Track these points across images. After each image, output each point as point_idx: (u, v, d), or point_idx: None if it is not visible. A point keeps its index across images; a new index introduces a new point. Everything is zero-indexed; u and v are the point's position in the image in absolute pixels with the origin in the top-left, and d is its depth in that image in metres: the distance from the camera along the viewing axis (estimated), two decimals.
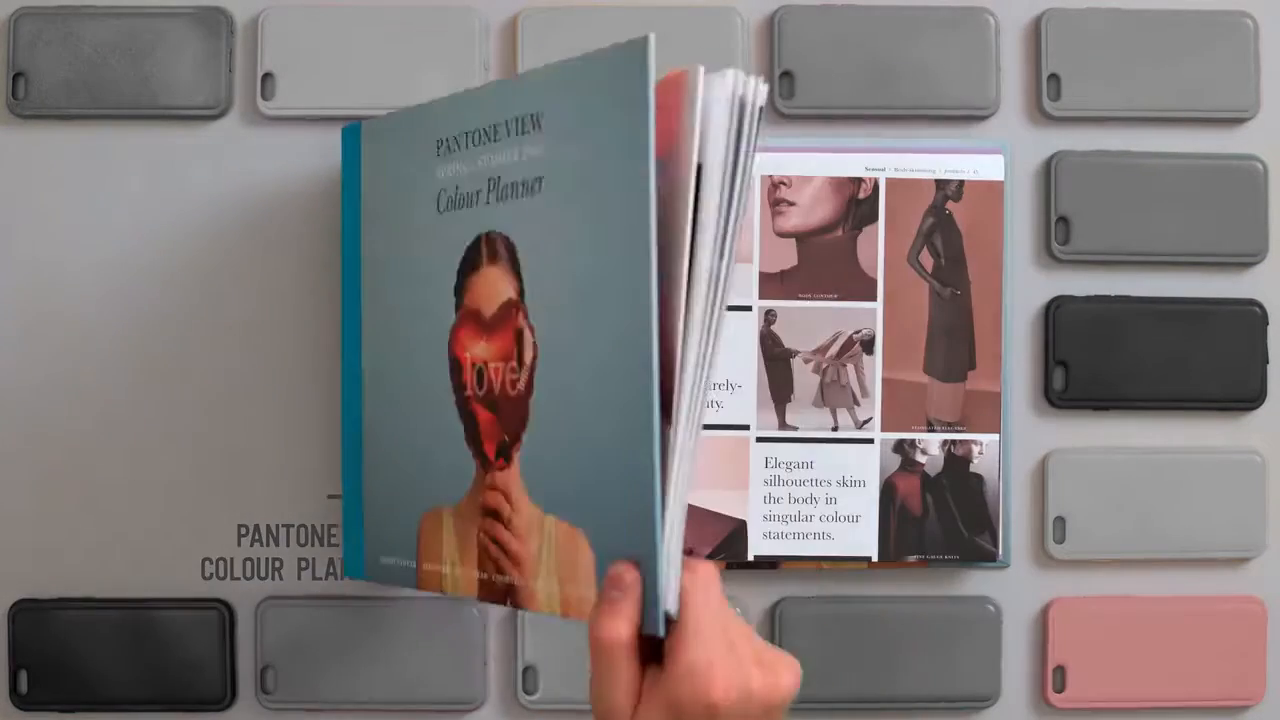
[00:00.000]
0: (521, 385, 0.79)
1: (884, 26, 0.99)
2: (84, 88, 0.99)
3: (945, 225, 0.97)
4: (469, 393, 0.83)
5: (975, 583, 1.00)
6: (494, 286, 0.81)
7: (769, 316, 0.97)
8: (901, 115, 1.00)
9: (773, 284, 0.98)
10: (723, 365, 0.97)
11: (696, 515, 0.97)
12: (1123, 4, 1.00)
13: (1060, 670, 1.00)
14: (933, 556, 0.98)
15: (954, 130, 1.00)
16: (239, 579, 0.99)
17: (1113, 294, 0.99)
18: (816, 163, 0.97)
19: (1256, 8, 1.00)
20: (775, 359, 0.98)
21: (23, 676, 0.98)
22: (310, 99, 0.99)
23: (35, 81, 0.99)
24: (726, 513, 0.98)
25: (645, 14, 0.99)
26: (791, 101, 0.99)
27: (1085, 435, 1.00)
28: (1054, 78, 1.00)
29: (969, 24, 0.99)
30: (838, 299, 0.98)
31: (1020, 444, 0.99)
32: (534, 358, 0.78)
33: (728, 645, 0.69)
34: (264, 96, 0.99)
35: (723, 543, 0.98)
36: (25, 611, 0.98)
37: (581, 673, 0.97)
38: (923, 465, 0.98)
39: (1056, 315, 0.99)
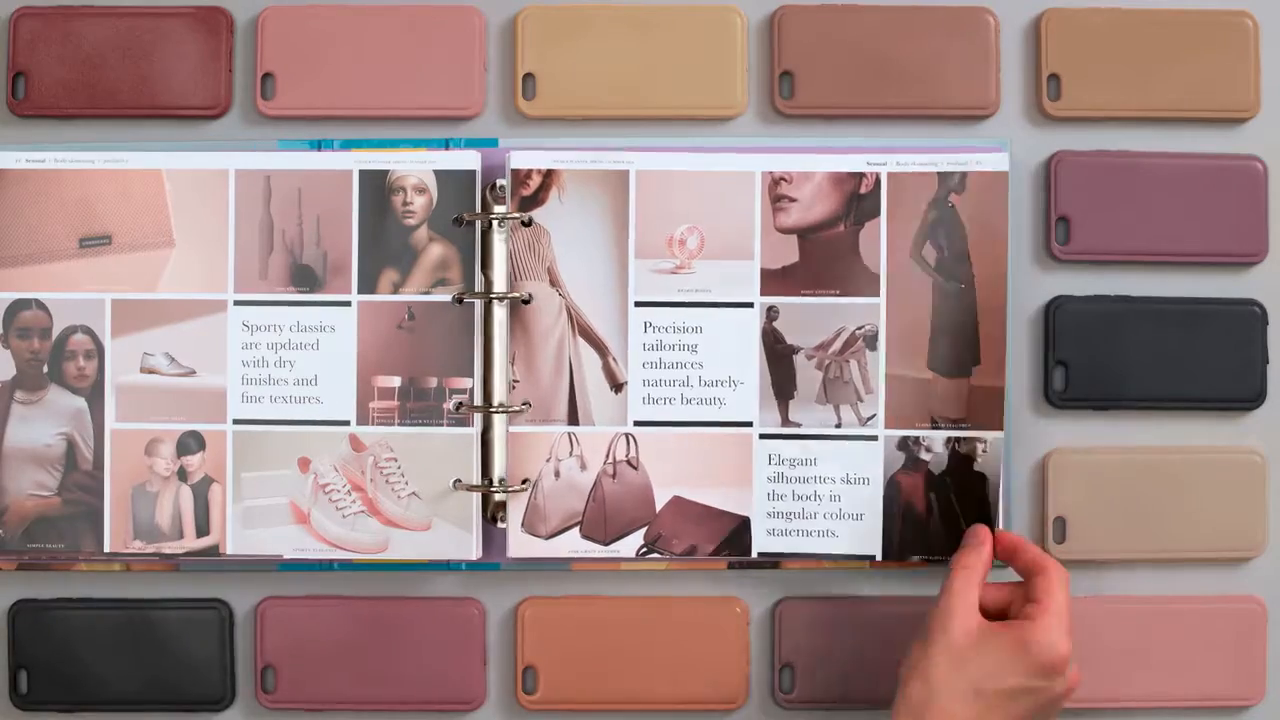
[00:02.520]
0: None
1: (884, 26, 0.99)
2: (84, 88, 0.99)
3: (948, 218, 0.97)
4: None
5: None
6: None
7: (771, 313, 0.97)
8: (902, 115, 1.00)
9: (774, 280, 0.98)
10: (725, 362, 0.97)
11: (700, 512, 0.97)
12: (1123, 4, 1.00)
13: None
14: (935, 557, 0.97)
15: (954, 130, 1.00)
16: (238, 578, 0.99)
17: (1113, 294, 0.99)
18: (817, 160, 0.98)
19: (1256, 8, 1.00)
20: (778, 355, 0.98)
21: (23, 676, 0.98)
22: (310, 99, 0.99)
23: (35, 81, 0.99)
24: (730, 510, 0.98)
25: (645, 14, 0.99)
26: (791, 101, 0.99)
27: (1085, 435, 1.00)
28: (1054, 78, 1.00)
29: (969, 24, 0.99)
30: (840, 295, 0.98)
31: (1020, 444, 0.99)
32: None
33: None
34: (264, 96, 0.99)
35: (726, 540, 0.98)
36: (25, 611, 0.98)
37: (580, 674, 0.98)
38: (927, 463, 0.98)
39: (1056, 315, 0.99)
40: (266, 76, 0.99)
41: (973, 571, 0.90)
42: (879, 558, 0.98)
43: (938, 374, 0.97)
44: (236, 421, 0.97)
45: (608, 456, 0.98)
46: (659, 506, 0.98)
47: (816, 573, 0.99)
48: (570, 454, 0.97)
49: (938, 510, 0.98)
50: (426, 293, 0.97)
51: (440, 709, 0.99)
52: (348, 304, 0.97)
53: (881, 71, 0.99)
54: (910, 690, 0.86)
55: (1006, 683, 0.86)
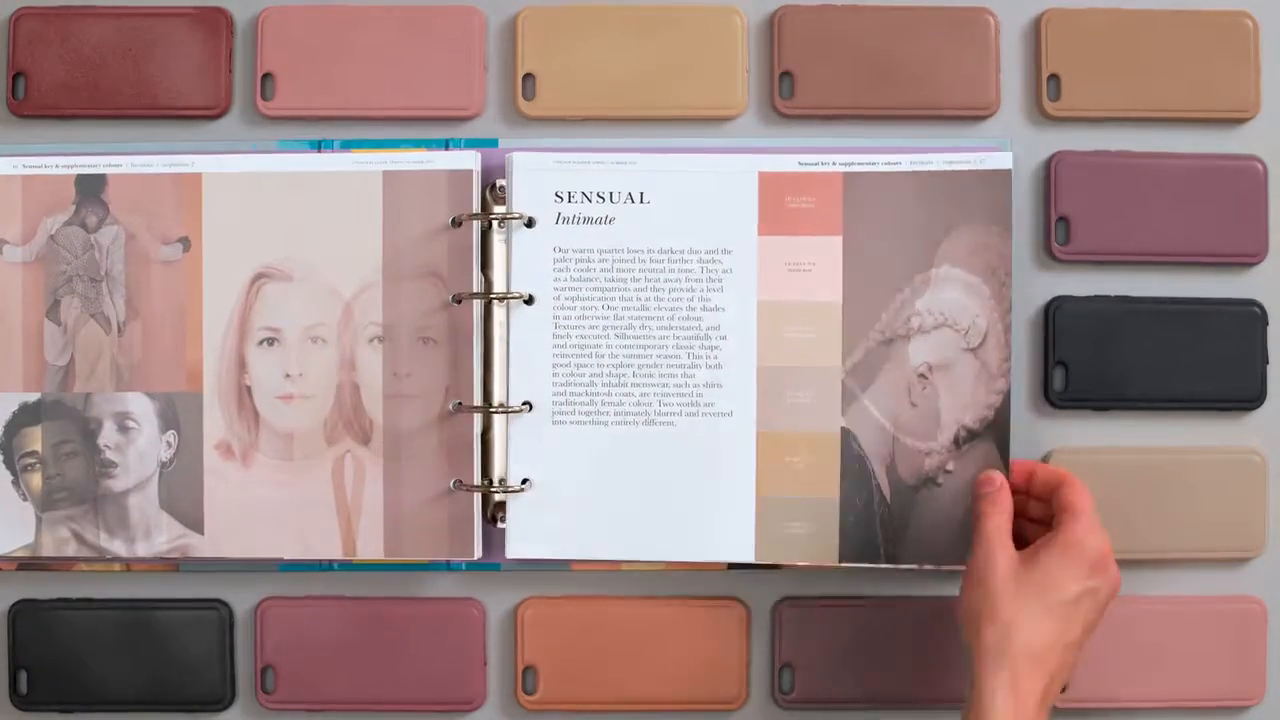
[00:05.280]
0: None
1: (884, 26, 0.99)
2: (84, 88, 0.99)
3: None
4: None
5: None
6: None
7: None
8: (902, 115, 0.99)
9: None
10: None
11: None
12: (1123, 4, 1.00)
13: None
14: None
15: (954, 130, 1.00)
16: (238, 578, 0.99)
17: (1113, 294, 0.99)
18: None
19: (1256, 8, 1.00)
20: None
21: (22, 676, 0.98)
22: (310, 99, 0.99)
23: (35, 81, 0.99)
24: None
25: (645, 14, 0.99)
26: (791, 101, 0.99)
27: (1085, 435, 1.00)
28: (1054, 78, 0.99)
29: (969, 24, 0.99)
30: None
31: (1020, 444, 0.99)
32: None
33: None
34: (264, 96, 0.99)
35: None
36: (25, 611, 0.98)
37: (580, 674, 0.98)
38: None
39: (1056, 315, 0.99)
40: (266, 77, 0.99)
41: (1000, 513, 0.91)
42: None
43: None
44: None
45: None
46: None
47: (814, 574, 0.99)
48: None
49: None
50: None
51: (440, 709, 0.99)
52: None
53: (881, 71, 0.99)
54: (985, 638, 0.86)
55: (1069, 590, 0.87)
